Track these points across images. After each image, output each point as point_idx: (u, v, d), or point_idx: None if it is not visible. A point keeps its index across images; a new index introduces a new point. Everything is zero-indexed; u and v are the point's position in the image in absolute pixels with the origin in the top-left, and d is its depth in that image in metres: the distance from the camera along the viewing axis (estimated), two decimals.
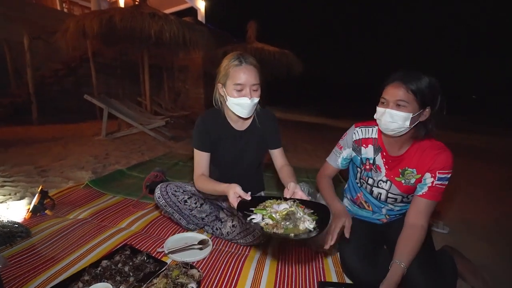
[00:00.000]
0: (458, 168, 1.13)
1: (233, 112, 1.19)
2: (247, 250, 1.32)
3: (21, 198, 1.79)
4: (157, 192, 1.30)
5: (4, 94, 5.84)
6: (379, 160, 1.17)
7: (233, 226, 1.30)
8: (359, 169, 1.24)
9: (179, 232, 1.43)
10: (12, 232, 1.22)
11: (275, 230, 0.80)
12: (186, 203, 1.34)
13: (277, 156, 1.33)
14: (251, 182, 1.43)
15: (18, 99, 5.81)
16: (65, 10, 8.61)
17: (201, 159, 1.28)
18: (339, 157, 1.28)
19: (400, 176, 1.12)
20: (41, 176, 2.30)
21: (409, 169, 1.10)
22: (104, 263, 1.07)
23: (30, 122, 5.77)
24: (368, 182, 1.21)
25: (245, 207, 0.89)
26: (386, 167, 1.15)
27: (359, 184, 1.27)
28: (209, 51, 5.73)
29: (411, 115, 0.98)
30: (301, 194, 0.94)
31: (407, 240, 1.03)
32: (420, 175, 1.08)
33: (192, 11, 11.86)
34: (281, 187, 2.29)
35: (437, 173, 1.04)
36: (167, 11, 8.70)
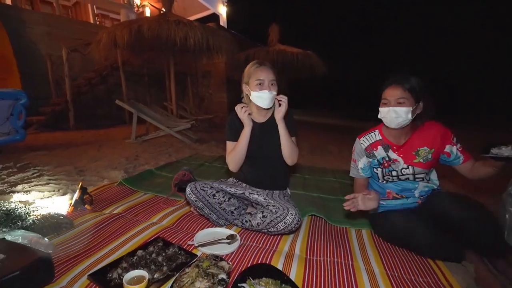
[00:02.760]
0: None
1: (256, 105, 1.41)
2: (275, 245, 1.32)
3: (64, 194, 1.94)
4: (188, 189, 1.40)
5: (46, 103, 6.38)
6: (393, 154, 1.34)
7: (263, 216, 1.32)
8: (380, 169, 1.39)
9: (207, 227, 1.47)
10: (59, 222, 1.33)
11: None
12: (215, 197, 1.39)
13: None
14: (276, 177, 1.55)
15: (58, 107, 6.30)
16: (97, 22, 9.23)
17: (231, 146, 1.49)
18: (357, 168, 1.46)
19: (417, 157, 1.29)
20: (80, 175, 2.48)
21: (420, 148, 1.29)
22: (140, 252, 1.13)
23: (68, 128, 6.24)
24: (393, 174, 1.36)
25: None
26: (401, 156, 1.32)
27: (385, 182, 1.40)
28: (231, 55, 5.85)
29: (411, 109, 1.20)
30: None
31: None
32: (433, 149, 1.28)
33: (215, 17, 12.20)
34: (307, 188, 2.27)
35: (452, 140, 1.27)
36: (191, 18, 9.02)
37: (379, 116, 1.29)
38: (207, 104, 9.44)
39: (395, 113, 1.21)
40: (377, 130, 1.39)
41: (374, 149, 1.38)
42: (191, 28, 4.58)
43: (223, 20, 12.35)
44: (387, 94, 1.24)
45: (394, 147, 1.33)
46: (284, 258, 1.20)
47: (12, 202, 1.38)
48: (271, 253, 1.23)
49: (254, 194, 1.41)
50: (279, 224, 1.26)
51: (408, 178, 1.33)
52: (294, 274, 1.09)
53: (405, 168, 1.31)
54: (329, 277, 1.09)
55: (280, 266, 1.13)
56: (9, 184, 2.16)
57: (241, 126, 1.44)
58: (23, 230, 1.18)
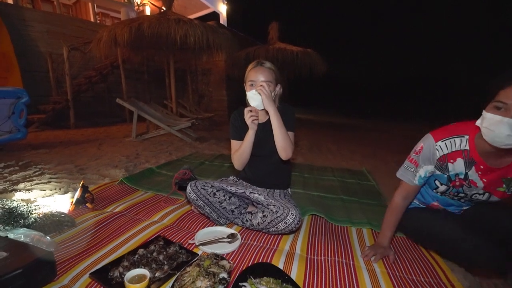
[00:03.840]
0: None
1: (250, 105, 1.37)
2: (276, 244, 1.33)
3: (65, 192, 1.94)
4: (188, 188, 1.40)
5: (47, 101, 6.38)
6: (474, 175, 0.98)
7: (264, 216, 1.32)
8: (445, 186, 1.08)
9: (208, 226, 1.47)
10: (60, 221, 1.33)
11: None
12: (215, 196, 1.40)
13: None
14: (277, 176, 1.55)
15: (58, 105, 6.30)
16: (98, 21, 9.21)
17: (236, 145, 1.51)
18: (415, 175, 1.10)
19: (504, 186, 0.98)
20: (80, 173, 2.48)
21: None
22: (141, 251, 1.13)
23: (68, 127, 6.25)
24: (459, 195, 1.08)
25: None
26: (484, 180, 0.98)
27: (439, 195, 1.16)
28: (231, 54, 5.83)
29: None
30: None
31: None
32: None
33: (215, 15, 12.17)
34: (307, 187, 2.28)
35: None
36: (191, 16, 8.99)
37: (478, 123, 0.89)
38: (207, 102, 9.43)
39: (510, 129, 0.79)
40: (467, 137, 0.97)
41: (451, 161, 1.00)
42: (191, 26, 4.57)
43: (223, 18, 12.32)
44: (508, 96, 0.80)
45: (481, 167, 0.95)
46: (285, 257, 1.20)
47: (14, 200, 1.39)
48: (272, 252, 1.24)
49: (254, 193, 1.41)
50: (280, 224, 1.26)
51: (474, 202, 1.08)
52: (295, 273, 1.09)
53: (480, 194, 1.01)
54: (330, 276, 1.09)
55: (281, 265, 1.13)
56: (11, 182, 2.17)
57: (242, 124, 1.43)
58: (25, 228, 1.19)
